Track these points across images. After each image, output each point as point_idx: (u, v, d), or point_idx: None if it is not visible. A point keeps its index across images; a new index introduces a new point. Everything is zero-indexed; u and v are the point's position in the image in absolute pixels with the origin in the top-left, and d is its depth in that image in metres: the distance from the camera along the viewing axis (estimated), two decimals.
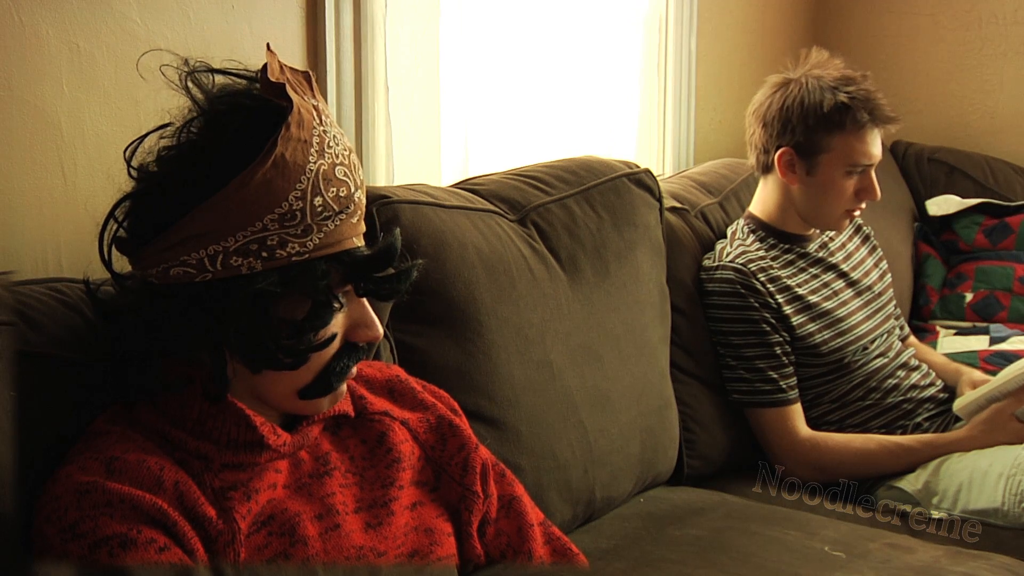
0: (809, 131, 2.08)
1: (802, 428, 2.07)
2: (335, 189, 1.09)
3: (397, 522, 1.22)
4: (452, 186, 1.86)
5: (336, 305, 1.13)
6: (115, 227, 1.14)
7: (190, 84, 1.12)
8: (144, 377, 1.12)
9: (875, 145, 2.10)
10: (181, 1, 1.61)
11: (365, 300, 1.18)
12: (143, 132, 1.16)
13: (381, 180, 2.00)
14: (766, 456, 2.10)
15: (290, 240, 1.08)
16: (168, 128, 1.13)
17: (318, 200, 1.08)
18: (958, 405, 2.08)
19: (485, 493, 1.32)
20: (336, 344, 1.15)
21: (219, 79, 1.14)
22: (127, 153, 1.15)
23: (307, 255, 1.09)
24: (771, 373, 2.06)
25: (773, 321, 2.07)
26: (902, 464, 2.02)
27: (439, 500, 1.29)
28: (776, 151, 2.12)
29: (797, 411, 2.08)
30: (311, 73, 1.14)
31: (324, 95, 1.81)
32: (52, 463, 1.08)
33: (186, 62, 1.13)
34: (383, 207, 1.61)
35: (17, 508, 1.07)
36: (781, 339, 2.07)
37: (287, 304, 1.10)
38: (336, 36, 1.84)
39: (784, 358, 2.07)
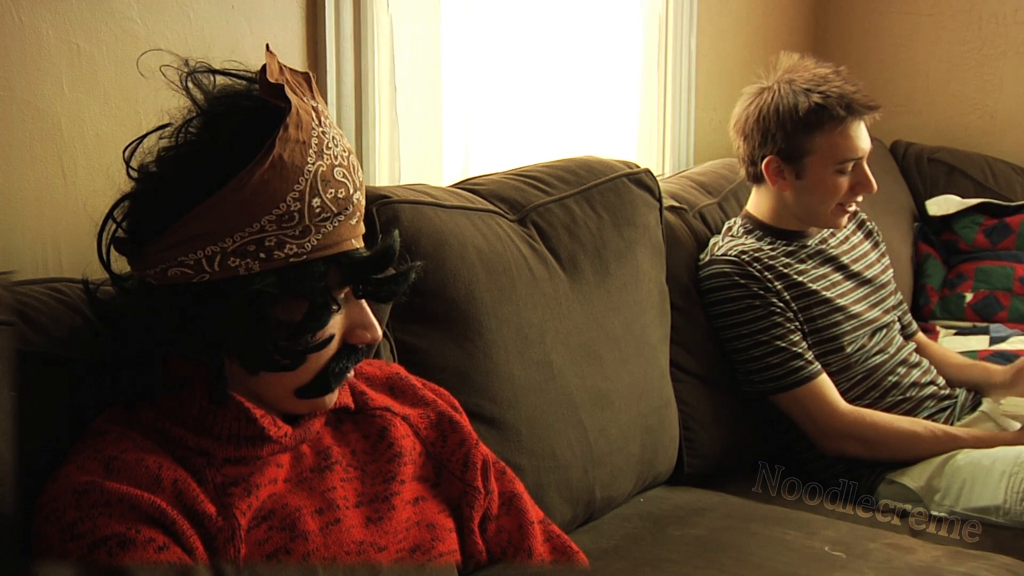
0: (789, 136, 2.09)
1: (841, 400, 2.06)
2: (333, 190, 1.10)
3: (398, 517, 1.22)
4: (452, 186, 1.86)
5: (334, 307, 1.13)
6: (113, 227, 1.14)
7: (190, 84, 1.13)
8: (144, 377, 1.12)
9: (860, 138, 2.10)
10: (181, 1, 1.61)
11: (364, 302, 1.18)
12: (143, 132, 1.17)
13: (385, 180, 1.99)
14: (806, 438, 2.07)
15: (288, 241, 1.08)
16: (168, 128, 1.14)
17: (316, 201, 1.08)
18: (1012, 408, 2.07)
19: (486, 489, 1.32)
20: (334, 345, 1.16)
21: (219, 80, 1.15)
22: (126, 153, 1.16)
23: (305, 256, 1.09)
24: (795, 349, 2.04)
25: (778, 303, 2.06)
26: (945, 452, 1.99)
27: (440, 496, 1.29)
28: (762, 161, 2.14)
29: (829, 383, 2.06)
30: (311, 75, 1.14)
31: (324, 95, 1.81)
32: (52, 463, 1.08)
33: (186, 63, 1.14)
34: (383, 207, 1.61)
35: (17, 508, 1.07)
36: (792, 315, 2.07)
37: (285, 305, 1.10)
38: (336, 36, 1.84)
39: (799, 333, 2.06)
